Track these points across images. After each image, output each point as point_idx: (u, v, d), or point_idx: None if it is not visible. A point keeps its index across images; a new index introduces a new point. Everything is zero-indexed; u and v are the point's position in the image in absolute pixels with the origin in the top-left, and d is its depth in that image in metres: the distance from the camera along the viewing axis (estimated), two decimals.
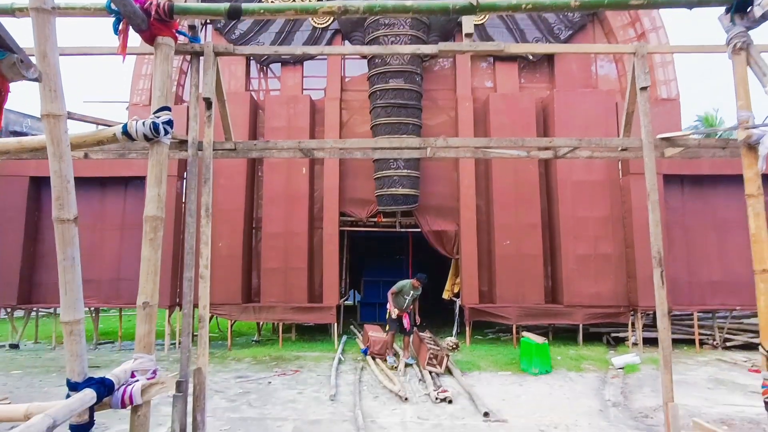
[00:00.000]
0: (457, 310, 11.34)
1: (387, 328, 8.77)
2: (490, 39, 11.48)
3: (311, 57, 11.55)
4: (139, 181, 10.45)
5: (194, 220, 3.48)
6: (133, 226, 10.48)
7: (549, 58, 11.83)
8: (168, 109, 2.88)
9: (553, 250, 10.93)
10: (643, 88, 3.42)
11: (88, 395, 2.27)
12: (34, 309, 10.56)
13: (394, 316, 8.55)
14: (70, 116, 3.67)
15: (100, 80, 56.33)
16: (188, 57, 4.07)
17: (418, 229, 11.47)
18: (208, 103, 3.73)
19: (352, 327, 12.57)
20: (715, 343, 10.25)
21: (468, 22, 3.73)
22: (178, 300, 10.38)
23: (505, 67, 11.65)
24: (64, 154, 2.17)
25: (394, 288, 8.62)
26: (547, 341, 7.98)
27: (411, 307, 8.61)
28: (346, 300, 13.63)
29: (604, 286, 10.27)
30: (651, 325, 10.78)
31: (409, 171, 10.68)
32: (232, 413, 6.03)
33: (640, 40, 11.51)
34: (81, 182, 10.69)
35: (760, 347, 3.36)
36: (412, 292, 8.48)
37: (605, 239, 10.43)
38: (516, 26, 11.54)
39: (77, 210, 2.30)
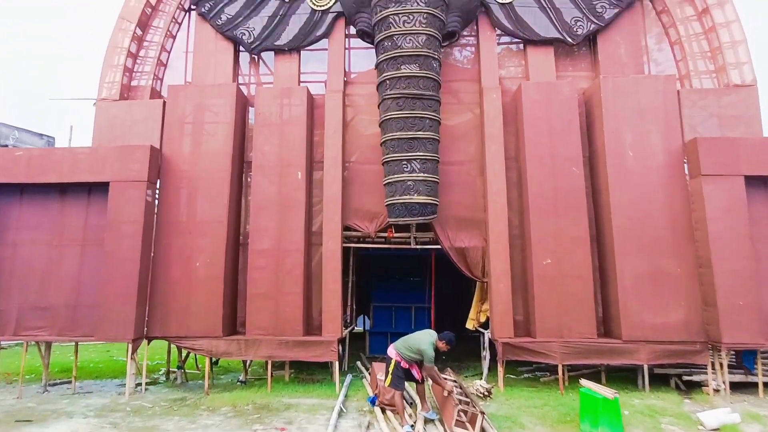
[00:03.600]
0: (486, 345, 9.31)
1: (388, 382, 6.47)
2: (521, 21, 9.72)
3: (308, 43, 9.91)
4: (104, 188, 8.76)
5: None
6: (95, 242, 8.71)
7: (591, 41, 9.98)
8: None
9: (604, 269, 8.89)
10: None
11: None
12: None
13: (399, 370, 6.43)
14: None
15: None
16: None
17: (437, 246, 9.53)
18: None
19: (359, 363, 10.59)
20: None
21: None
22: (146, 331, 8.56)
23: (538, 53, 9.79)
24: None
25: (407, 342, 6.53)
26: (618, 395, 5.90)
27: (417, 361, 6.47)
28: (353, 329, 11.67)
29: (672, 316, 8.17)
30: (734, 366, 8.59)
31: (426, 175, 8.80)
32: None
33: (701, 18, 9.64)
34: (38, 189, 9.14)
35: None
36: (430, 353, 6.24)
37: (670, 256, 8.37)
38: (551, 4, 9.73)
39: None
